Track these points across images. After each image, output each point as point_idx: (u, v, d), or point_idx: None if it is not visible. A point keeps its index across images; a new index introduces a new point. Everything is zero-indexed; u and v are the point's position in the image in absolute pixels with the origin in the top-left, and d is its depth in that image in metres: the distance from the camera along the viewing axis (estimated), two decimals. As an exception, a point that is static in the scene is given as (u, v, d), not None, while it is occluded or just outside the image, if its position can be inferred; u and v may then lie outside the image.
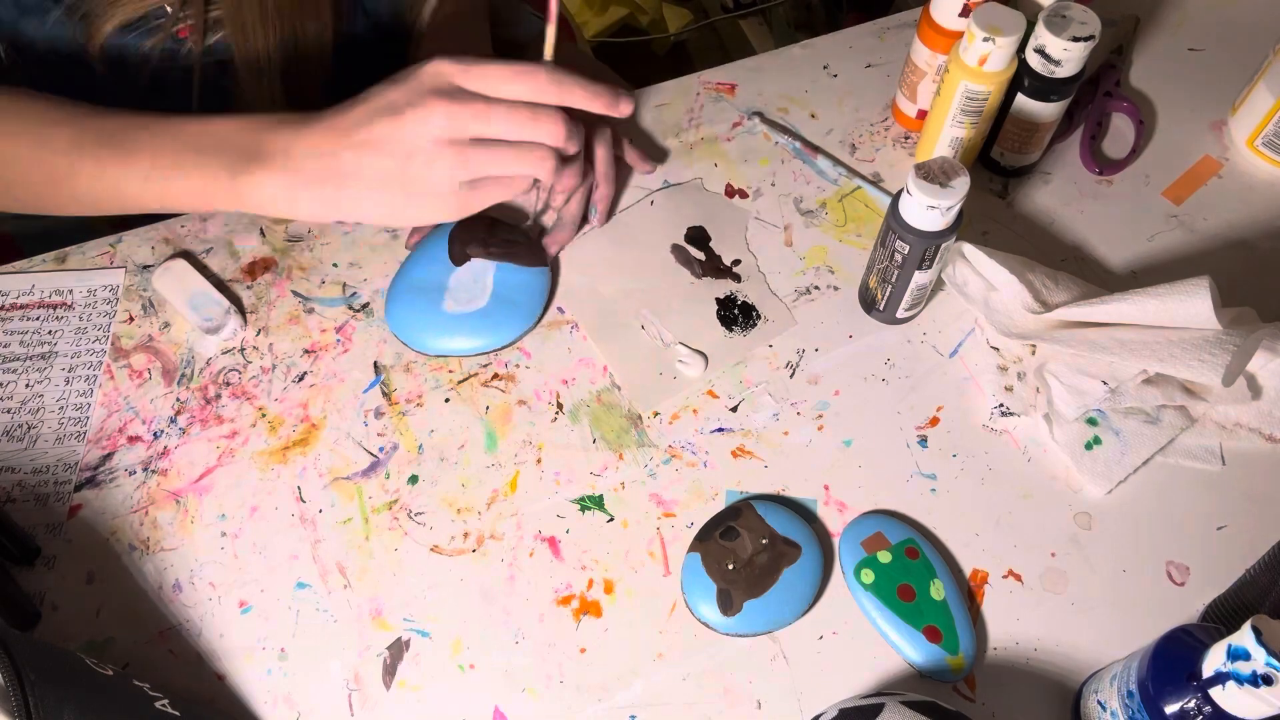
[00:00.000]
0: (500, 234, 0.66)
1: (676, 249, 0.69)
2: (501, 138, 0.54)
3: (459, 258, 0.65)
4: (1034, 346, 0.63)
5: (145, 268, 0.68)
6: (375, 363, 0.65)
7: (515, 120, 0.54)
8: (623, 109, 0.57)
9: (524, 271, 0.65)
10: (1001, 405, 0.62)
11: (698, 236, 0.70)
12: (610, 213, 0.70)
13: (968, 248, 0.65)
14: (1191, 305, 0.58)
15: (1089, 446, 0.60)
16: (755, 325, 0.66)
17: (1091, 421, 0.61)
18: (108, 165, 0.56)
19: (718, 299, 0.67)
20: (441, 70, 0.53)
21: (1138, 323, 0.61)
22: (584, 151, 0.65)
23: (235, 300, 0.66)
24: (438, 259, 0.66)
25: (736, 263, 0.69)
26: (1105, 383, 0.60)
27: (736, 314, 0.67)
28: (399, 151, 0.53)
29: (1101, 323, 0.62)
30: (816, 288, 0.68)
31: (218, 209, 0.57)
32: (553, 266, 0.68)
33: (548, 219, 0.68)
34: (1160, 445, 0.60)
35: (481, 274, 0.65)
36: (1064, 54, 0.63)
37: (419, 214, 0.56)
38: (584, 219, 0.69)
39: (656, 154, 0.74)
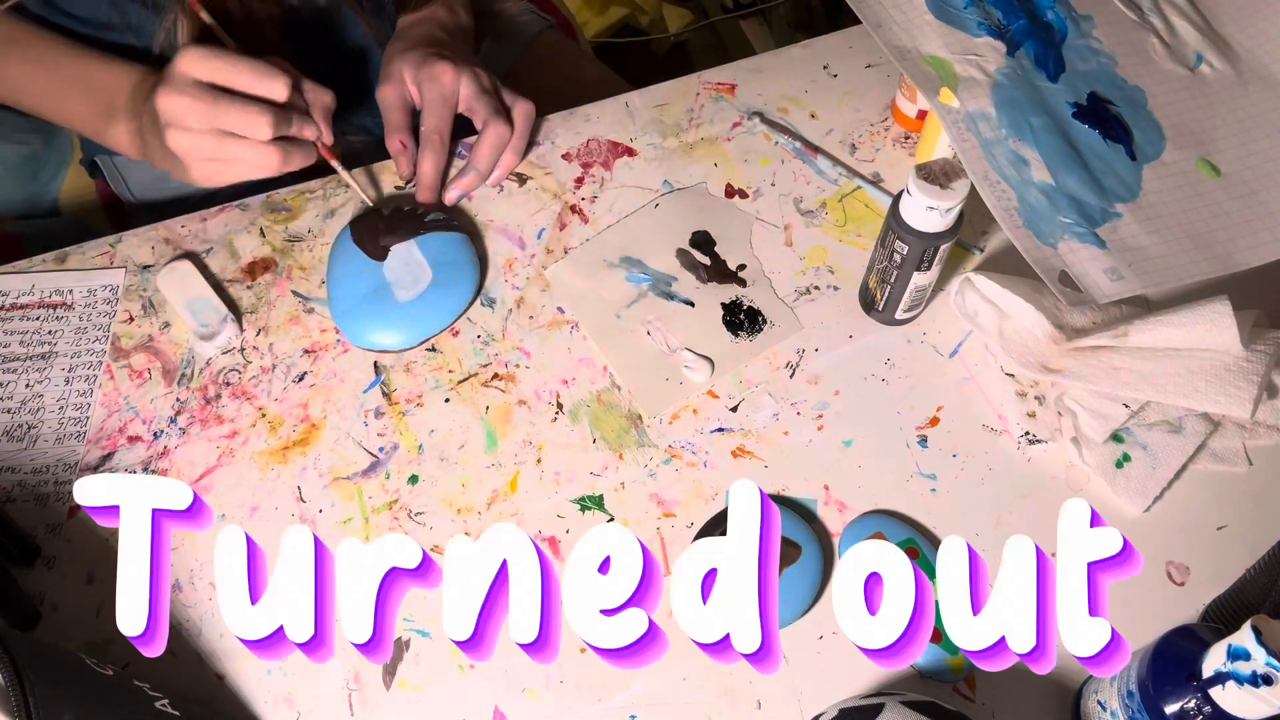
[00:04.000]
0: (396, 215, 0.67)
1: (681, 253, 0.69)
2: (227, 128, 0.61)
3: (379, 253, 0.66)
4: (1054, 379, 0.62)
5: (145, 268, 0.68)
6: (375, 363, 0.65)
7: (224, 122, 0.60)
8: (277, 90, 0.61)
9: (441, 237, 0.67)
10: (1028, 434, 0.62)
11: (702, 241, 0.70)
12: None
13: (978, 277, 0.64)
14: (1216, 333, 0.59)
15: (1119, 464, 0.60)
16: (761, 330, 0.66)
17: (1117, 438, 0.61)
18: (12, 67, 0.68)
19: (723, 304, 0.67)
20: (181, 60, 0.60)
21: (1159, 346, 0.61)
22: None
23: (234, 307, 0.66)
24: (360, 265, 0.66)
25: (742, 267, 0.69)
26: (1126, 405, 0.60)
27: (742, 319, 0.67)
28: (158, 126, 0.61)
29: (1120, 346, 0.62)
30: (816, 288, 0.68)
31: (91, 137, 0.68)
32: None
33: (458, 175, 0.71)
34: (1189, 454, 0.60)
35: (408, 255, 0.66)
36: None
37: (182, 177, 0.64)
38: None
39: (659, 154, 0.74)
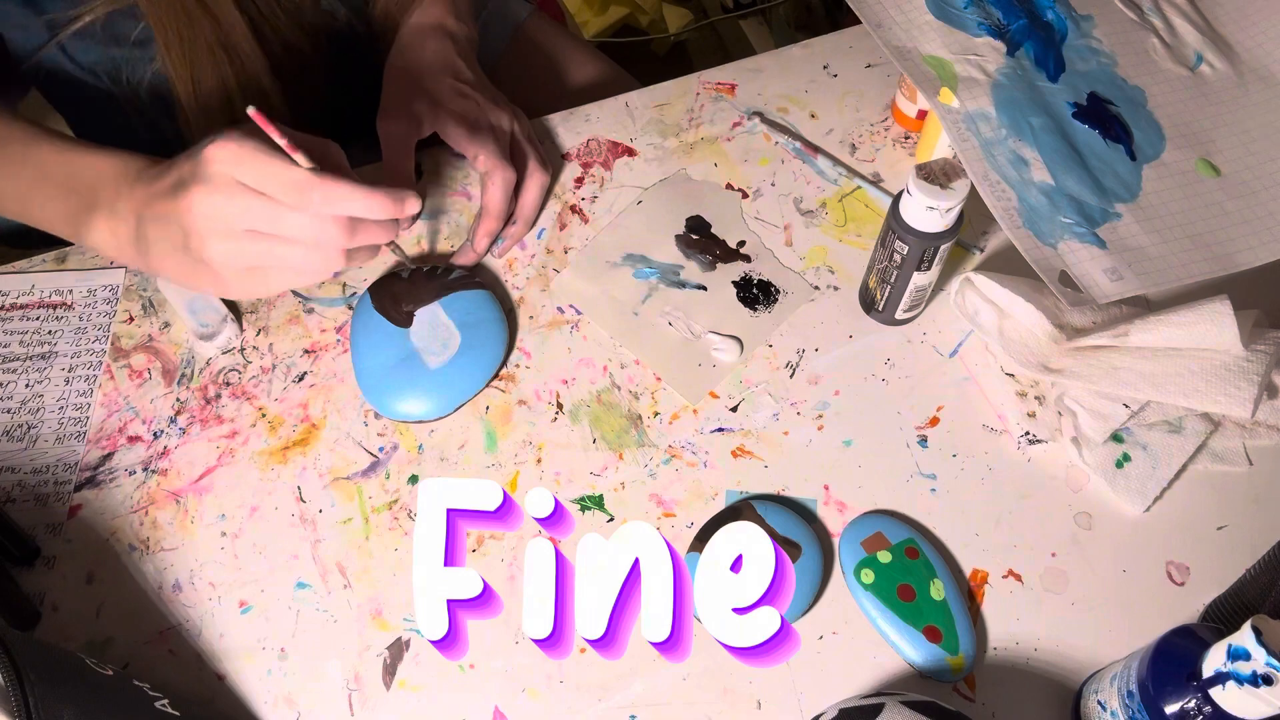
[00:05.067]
0: (416, 278, 0.64)
1: (680, 240, 0.69)
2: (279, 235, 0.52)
3: (404, 319, 0.63)
4: (1054, 379, 0.62)
5: (145, 268, 0.68)
6: (375, 363, 0.65)
7: (285, 228, 0.52)
8: (409, 209, 0.54)
9: (465, 296, 0.64)
10: (1028, 433, 0.62)
11: (698, 225, 0.70)
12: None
13: (978, 277, 0.64)
14: (1216, 333, 0.59)
15: (1119, 464, 0.60)
16: (776, 300, 0.67)
17: (1117, 438, 0.61)
18: None
19: (734, 282, 0.68)
20: (220, 156, 0.50)
21: (1160, 346, 0.61)
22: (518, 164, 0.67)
23: (234, 307, 0.66)
24: (385, 334, 0.63)
25: (742, 244, 0.69)
26: (1126, 405, 0.60)
27: (756, 293, 0.67)
28: (179, 231, 0.52)
29: (1120, 345, 0.62)
30: (816, 288, 0.68)
31: (71, 239, 0.58)
32: (506, 309, 0.67)
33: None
34: (1189, 454, 0.60)
35: (434, 319, 0.63)
36: None
37: (209, 289, 0.55)
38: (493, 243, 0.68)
39: (659, 154, 0.74)
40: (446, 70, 0.68)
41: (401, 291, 0.64)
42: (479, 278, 0.66)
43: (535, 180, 0.68)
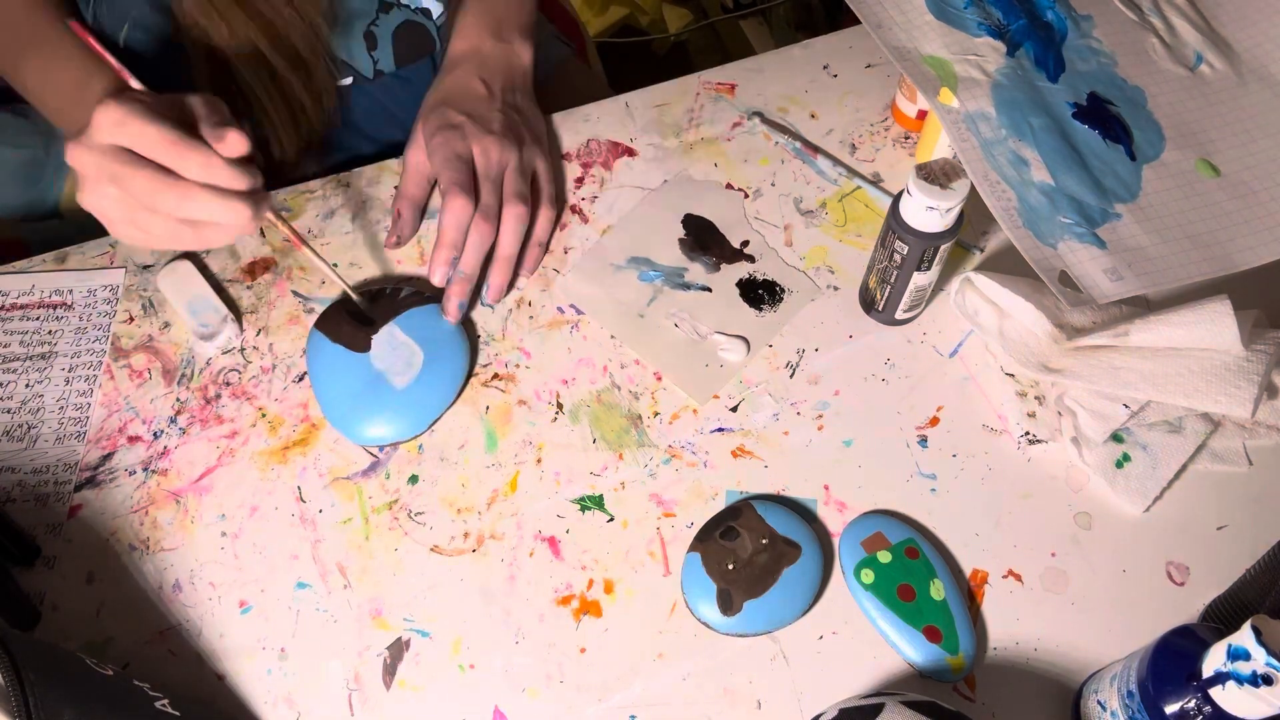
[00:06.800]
0: (365, 299, 0.63)
1: (683, 242, 0.69)
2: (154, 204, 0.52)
3: (362, 344, 0.62)
4: (1054, 378, 0.62)
5: (145, 268, 0.68)
6: (375, 363, 0.65)
7: (158, 204, 0.52)
8: (231, 148, 0.53)
9: (420, 312, 0.63)
10: (1028, 434, 0.62)
11: (700, 226, 0.70)
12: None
13: (978, 277, 0.64)
14: (1216, 333, 0.59)
15: (1119, 464, 0.60)
16: (782, 299, 0.67)
17: (1117, 438, 0.61)
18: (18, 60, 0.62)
19: (738, 283, 0.68)
20: (103, 119, 0.51)
21: (1160, 346, 0.61)
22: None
23: (234, 307, 0.66)
24: (346, 361, 0.62)
25: (745, 244, 0.69)
26: (1126, 405, 0.60)
27: (761, 293, 0.67)
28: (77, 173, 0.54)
29: (1121, 345, 0.62)
30: (817, 288, 0.68)
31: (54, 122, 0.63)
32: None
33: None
34: (1189, 454, 0.60)
35: (393, 339, 0.62)
36: None
37: (111, 230, 0.55)
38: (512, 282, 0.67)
39: (659, 154, 0.74)
40: (449, 102, 0.68)
41: (354, 316, 0.63)
42: (429, 293, 0.65)
43: (512, 216, 0.65)
